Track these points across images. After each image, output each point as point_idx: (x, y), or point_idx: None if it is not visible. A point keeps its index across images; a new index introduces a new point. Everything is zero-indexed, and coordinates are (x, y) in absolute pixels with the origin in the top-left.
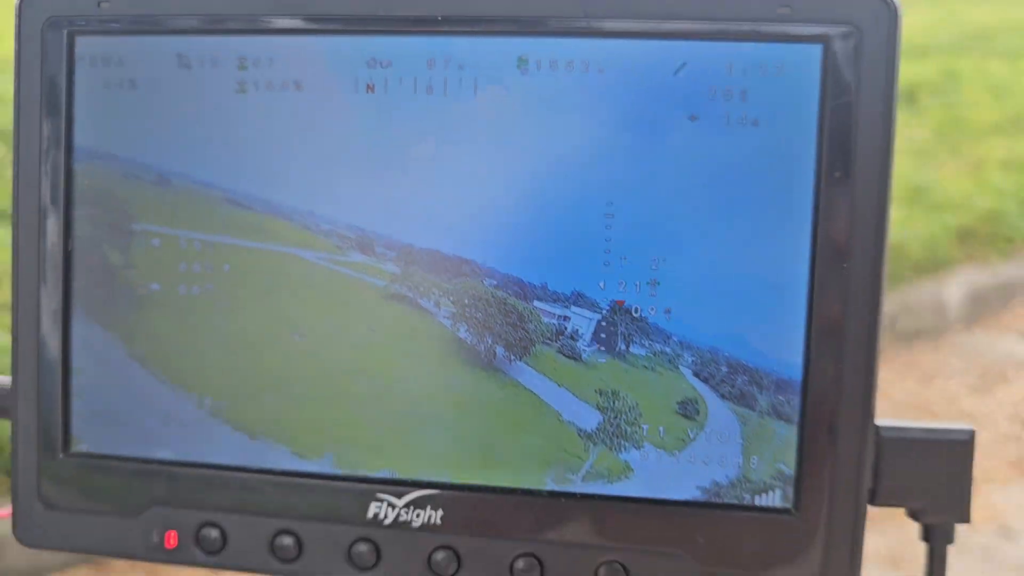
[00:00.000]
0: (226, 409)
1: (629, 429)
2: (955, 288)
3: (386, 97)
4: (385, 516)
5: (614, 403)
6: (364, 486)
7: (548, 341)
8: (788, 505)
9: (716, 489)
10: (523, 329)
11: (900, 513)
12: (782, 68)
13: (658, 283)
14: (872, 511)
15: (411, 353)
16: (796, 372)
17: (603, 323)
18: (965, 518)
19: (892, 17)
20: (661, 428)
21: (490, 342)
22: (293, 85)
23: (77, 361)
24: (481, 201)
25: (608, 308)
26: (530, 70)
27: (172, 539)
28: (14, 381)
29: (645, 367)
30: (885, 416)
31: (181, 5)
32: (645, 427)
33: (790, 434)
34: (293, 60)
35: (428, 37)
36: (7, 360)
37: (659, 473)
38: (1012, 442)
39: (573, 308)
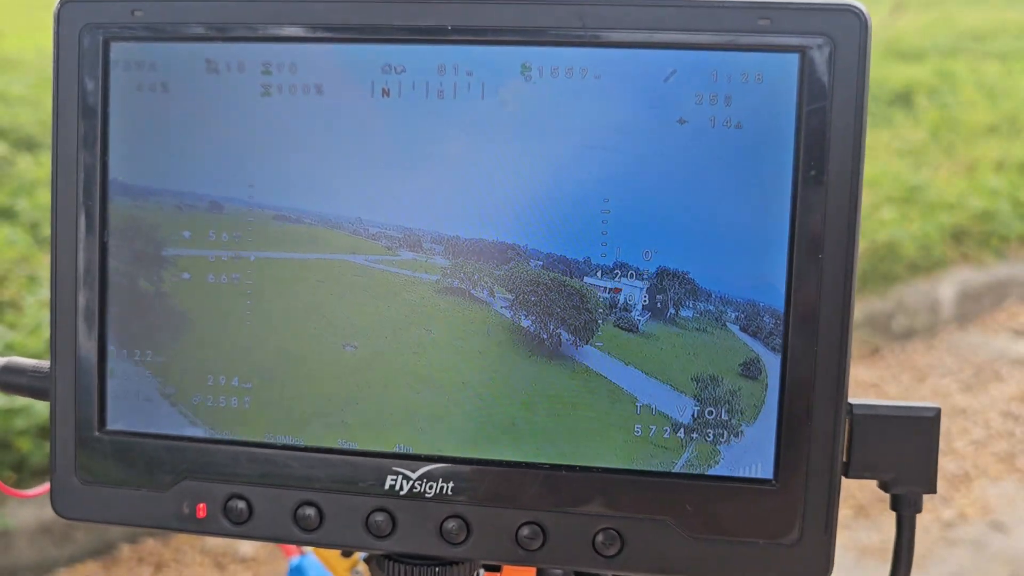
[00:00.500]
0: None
1: (728, 418)
2: (949, 287)
3: (400, 101)
4: (401, 488)
5: (713, 391)
6: (381, 460)
7: (605, 316)
8: (769, 476)
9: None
10: (586, 310)
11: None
12: (763, 76)
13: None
14: (867, 505)
15: (472, 350)
16: (775, 356)
17: (653, 290)
18: (932, 489)
19: (863, 29)
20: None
21: (552, 328)
22: (315, 89)
23: (112, 345)
24: (506, 190)
25: (656, 274)
26: (533, 76)
27: (202, 511)
28: (53, 364)
29: (697, 329)
30: None
31: (209, 14)
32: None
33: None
34: (314, 66)
35: (439, 46)
36: (8, 354)
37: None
38: (1004, 438)
39: (623, 280)
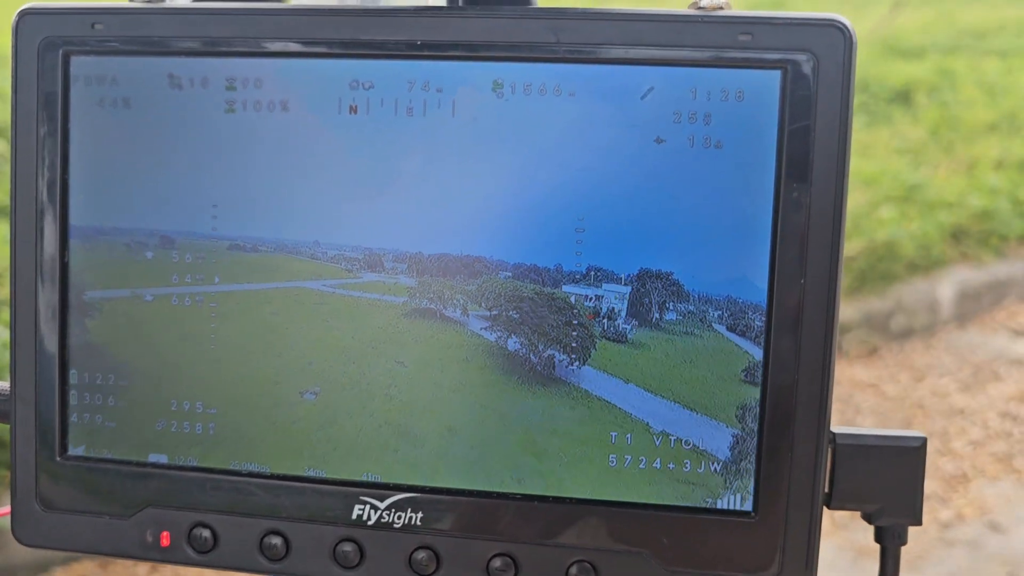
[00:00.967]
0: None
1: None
2: (948, 286)
3: (368, 118)
4: (368, 517)
5: (752, 421)
6: (349, 489)
7: (596, 328)
8: (748, 508)
9: None
10: (580, 325)
11: None
12: (744, 93)
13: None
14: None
15: (451, 383)
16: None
17: (636, 294)
18: (917, 521)
19: (848, 44)
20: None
21: (543, 349)
22: (280, 106)
23: (74, 368)
24: (472, 205)
25: (637, 276)
26: (505, 93)
27: (166, 539)
28: (12, 386)
29: (684, 332)
30: (877, 412)
31: (172, 28)
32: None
33: None
34: (280, 81)
35: (408, 61)
36: (7, 355)
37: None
38: (1002, 439)
39: (604, 286)
